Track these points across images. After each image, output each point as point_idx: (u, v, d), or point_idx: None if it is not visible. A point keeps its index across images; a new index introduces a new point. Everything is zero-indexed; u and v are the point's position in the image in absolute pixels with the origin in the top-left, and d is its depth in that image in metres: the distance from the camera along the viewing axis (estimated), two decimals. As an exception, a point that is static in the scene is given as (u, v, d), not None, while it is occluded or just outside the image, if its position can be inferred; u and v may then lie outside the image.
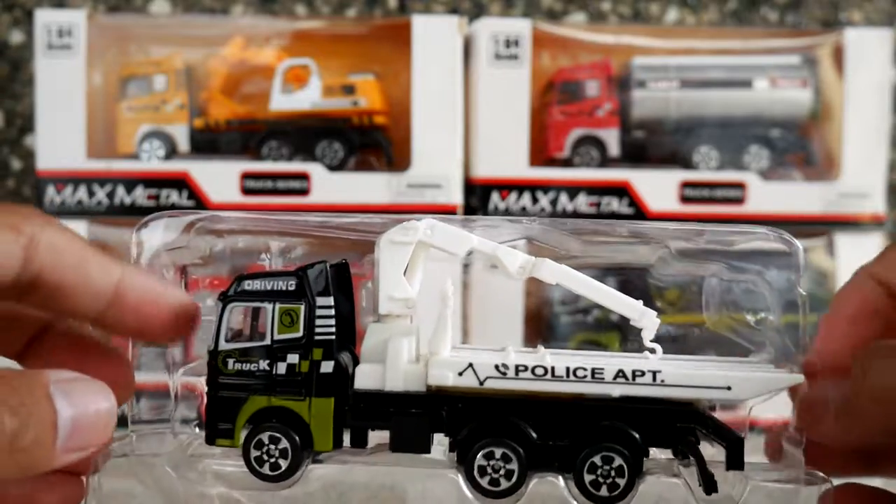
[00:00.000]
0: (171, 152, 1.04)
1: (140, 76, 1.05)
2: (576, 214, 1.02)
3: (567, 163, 1.06)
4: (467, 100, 1.02)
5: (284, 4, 1.21)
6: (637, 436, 0.52)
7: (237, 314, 0.53)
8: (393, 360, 0.53)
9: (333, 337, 0.53)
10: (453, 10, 1.20)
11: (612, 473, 0.52)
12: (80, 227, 1.01)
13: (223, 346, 0.53)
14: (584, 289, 0.55)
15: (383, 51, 1.06)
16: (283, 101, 1.04)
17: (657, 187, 1.02)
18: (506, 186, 1.02)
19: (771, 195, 1.02)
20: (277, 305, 0.53)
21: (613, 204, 1.02)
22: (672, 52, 1.07)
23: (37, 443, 0.42)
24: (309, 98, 1.04)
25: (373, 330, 0.54)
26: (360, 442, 0.54)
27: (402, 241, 0.54)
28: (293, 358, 0.52)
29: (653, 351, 0.54)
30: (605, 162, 1.05)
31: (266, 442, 0.53)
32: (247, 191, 1.00)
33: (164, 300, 0.51)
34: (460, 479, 0.54)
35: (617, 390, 0.52)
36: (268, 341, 0.53)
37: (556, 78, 1.07)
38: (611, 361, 0.53)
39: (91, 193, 1.01)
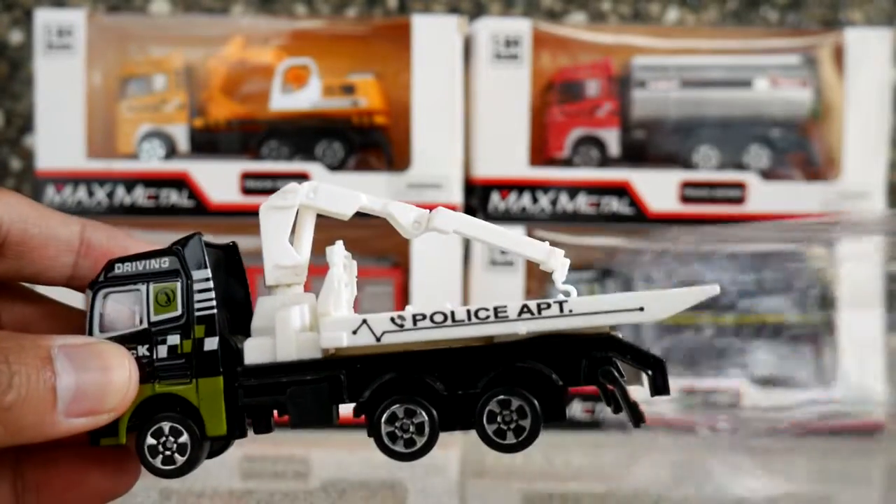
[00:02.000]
0: (171, 152, 1.04)
1: (140, 76, 1.05)
2: (576, 214, 1.02)
3: (567, 163, 1.06)
4: (467, 100, 1.02)
5: (284, 4, 1.21)
6: (551, 373, 0.48)
7: (110, 301, 0.49)
8: (283, 329, 0.49)
9: (215, 311, 0.49)
10: (453, 10, 1.20)
11: (514, 417, 0.48)
12: (79, 226, 1.00)
13: (97, 336, 0.48)
14: (485, 235, 0.51)
15: (383, 51, 1.06)
16: (283, 101, 1.04)
17: (657, 187, 1.02)
18: (506, 186, 1.02)
19: (771, 195, 1.02)
20: (151, 285, 0.49)
21: (613, 204, 1.02)
22: (672, 52, 1.07)
23: (28, 405, 0.41)
24: (309, 98, 1.04)
25: (261, 303, 0.50)
26: (263, 427, 0.51)
27: (282, 206, 0.51)
28: (173, 339, 0.48)
29: (567, 294, 0.50)
30: (605, 162, 1.05)
31: (166, 433, 0.48)
32: (247, 191, 1.00)
33: (133, 249, 0.50)
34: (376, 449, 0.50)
35: (523, 327, 0.48)
36: (144, 325, 0.49)
37: (556, 78, 1.07)
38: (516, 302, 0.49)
39: (91, 193, 1.01)
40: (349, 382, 0.49)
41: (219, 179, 1.01)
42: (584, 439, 0.95)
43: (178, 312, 0.48)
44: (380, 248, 1.00)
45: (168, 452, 0.48)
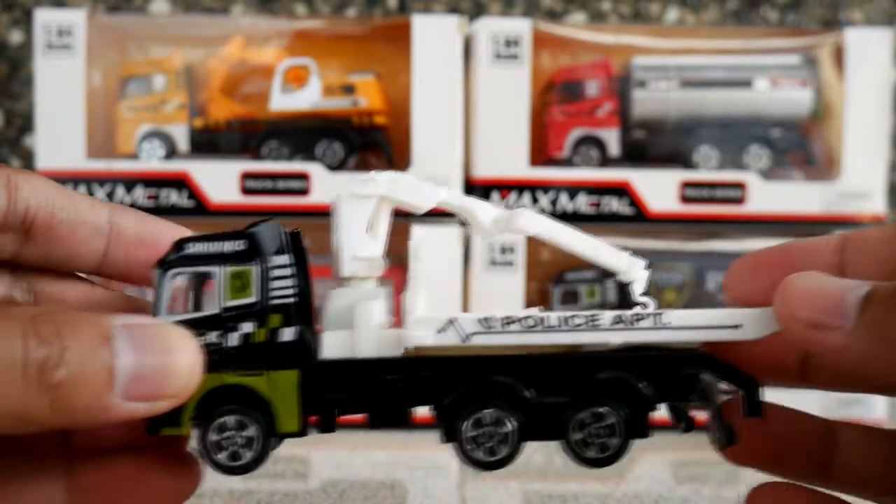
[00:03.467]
0: (171, 152, 1.04)
1: (140, 76, 1.05)
2: (576, 215, 1.02)
3: (567, 163, 1.06)
4: (467, 100, 1.02)
5: (284, 4, 1.21)
6: (641, 388, 0.46)
7: (179, 282, 0.46)
8: (363, 324, 0.47)
9: (294, 300, 0.46)
10: (453, 10, 1.20)
11: (604, 432, 0.47)
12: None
13: (164, 319, 0.45)
14: (569, 240, 0.49)
15: (383, 51, 1.06)
16: (283, 101, 1.04)
17: (657, 187, 1.02)
18: (506, 186, 1.02)
19: (771, 195, 1.02)
20: (226, 268, 0.46)
21: (613, 204, 1.02)
22: (672, 52, 1.07)
23: (81, 384, 0.38)
24: (309, 98, 1.04)
25: (336, 296, 0.48)
26: (328, 426, 0.48)
27: (362, 195, 0.49)
28: (247, 327, 0.46)
29: (644, 305, 0.49)
30: (605, 162, 1.05)
31: (231, 426, 0.46)
32: (247, 191, 1.00)
33: (163, 233, 0.48)
34: (454, 454, 0.48)
35: (616, 337, 0.46)
36: (216, 310, 0.46)
37: (556, 78, 1.07)
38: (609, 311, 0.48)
39: (91, 193, 1.01)
40: (431, 384, 0.47)
41: (219, 179, 1.01)
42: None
43: (254, 299, 0.46)
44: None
45: (234, 448, 0.45)
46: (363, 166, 1.05)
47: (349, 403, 0.47)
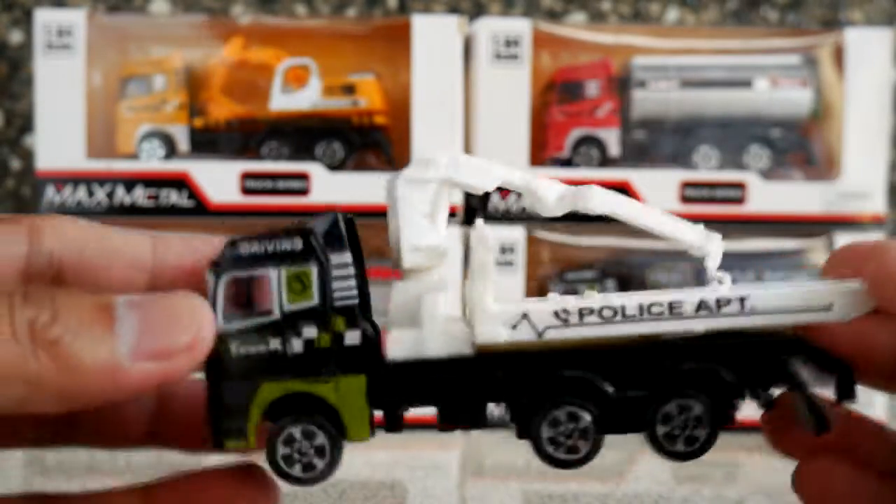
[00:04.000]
0: (171, 152, 1.04)
1: (140, 76, 1.05)
2: (575, 214, 1.02)
3: (567, 163, 1.06)
4: (467, 100, 1.02)
5: (284, 4, 1.21)
6: (728, 377, 0.43)
7: (235, 287, 0.43)
8: (430, 320, 0.44)
9: (356, 301, 0.43)
10: (453, 10, 1.20)
11: (691, 424, 0.44)
12: (79, 226, 1.00)
13: (221, 327, 0.43)
14: (638, 216, 0.47)
15: (383, 50, 1.06)
16: (283, 101, 1.04)
17: (657, 187, 1.02)
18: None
19: (771, 195, 1.02)
20: (283, 270, 0.43)
21: (613, 204, 1.02)
22: (672, 52, 1.07)
23: (79, 336, 0.36)
24: (309, 98, 1.04)
25: (399, 289, 0.45)
26: (396, 426, 0.46)
27: (422, 179, 0.45)
28: (310, 331, 0.43)
29: (720, 282, 0.46)
30: (605, 162, 1.05)
31: (298, 437, 0.43)
32: (247, 191, 1.00)
33: (206, 251, 0.45)
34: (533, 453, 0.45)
35: (700, 325, 0.44)
36: (276, 315, 0.43)
37: (556, 78, 1.07)
38: (688, 294, 0.45)
39: (90, 193, 1.01)
40: (505, 382, 0.44)
41: (219, 179, 1.01)
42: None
43: (315, 301, 0.43)
44: (379, 247, 1.00)
45: (306, 459, 0.43)
46: (363, 166, 1.05)
47: (420, 402, 0.45)
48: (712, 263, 0.46)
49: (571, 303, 0.44)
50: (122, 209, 1.01)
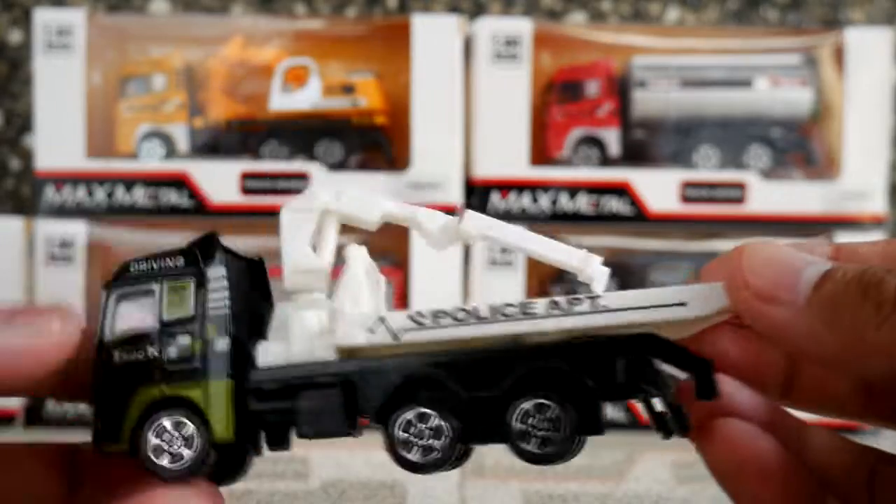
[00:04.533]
0: (171, 152, 1.04)
1: (139, 76, 1.05)
2: (576, 215, 1.02)
3: (567, 163, 1.06)
4: (467, 100, 1.02)
5: (284, 4, 1.20)
6: (582, 378, 0.43)
7: (124, 302, 0.47)
8: (298, 330, 0.46)
9: (228, 311, 0.46)
10: (453, 10, 1.20)
11: (547, 425, 0.43)
12: (79, 227, 1.00)
13: (108, 337, 0.46)
14: (517, 240, 0.47)
15: (383, 50, 1.06)
16: (283, 101, 1.04)
17: (657, 187, 1.02)
18: (506, 186, 1.02)
19: (771, 195, 1.02)
20: (166, 283, 0.47)
21: (613, 204, 1.02)
22: (672, 52, 1.07)
23: None
24: (309, 98, 1.04)
25: (279, 309, 0.48)
26: (278, 441, 0.47)
27: (303, 209, 0.48)
28: (184, 339, 0.46)
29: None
30: (605, 162, 1.05)
31: (169, 428, 0.45)
32: (247, 191, 1.00)
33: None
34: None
35: (552, 324, 0.44)
36: (156, 325, 0.46)
37: (556, 78, 1.07)
38: (545, 298, 0.45)
39: (90, 193, 1.01)
40: (364, 386, 0.45)
41: (219, 179, 1.01)
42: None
43: (191, 312, 0.46)
44: (379, 247, 1.00)
45: (175, 448, 0.45)
46: (363, 166, 1.05)
47: (284, 412, 0.46)
48: (597, 286, 0.46)
49: (426, 308, 0.45)
50: (121, 209, 1.01)
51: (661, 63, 1.06)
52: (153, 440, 0.45)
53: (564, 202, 1.02)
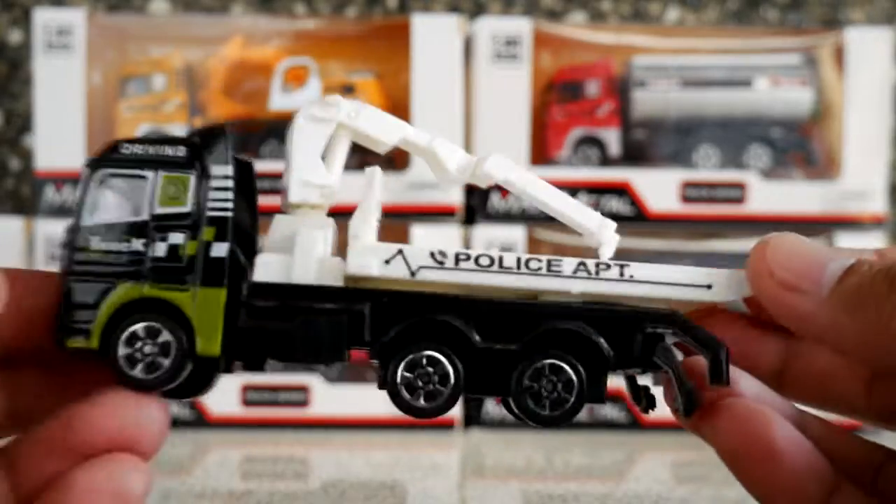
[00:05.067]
0: (171, 152, 1.04)
1: (139, 76, 1.05)
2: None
3: (567, 163, 1.06)
4: (467, 100, 1.02)
5: (284, 4, 1.20)
6: (601, 344, 0.42)
7: (109, 185, 0.42)
8: (304, 250, 0.43)
9: (230, 214, 0.43)
10: (453, 9, 1.19)
11: (560, 387, 0.42)
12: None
13: (87, 221, 0.42)
14: (536, 191, 0.46)
15: (383, 50, 1.06)
16: (283, 101, 1.04)
17: (657, 187, 1.02)
18: (506, 186, 1.02)
19: (771, 195, 1.02)
20: (161, 174, 0.42)
21: (613, 204, 1.02)
22: (672, 52, 1.06)
23: None
24: (308, 98, 1.04)
25: (279, 221, 0.45)
26: (255, 364, 0.44)
27: (322, 118, 0.45)
28: (177, 237, 0.42)
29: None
30: (605, 162, 1.05)
31: (142, 335, 0.41)
32: (246, 190, 1.00)
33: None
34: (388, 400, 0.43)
35: (577, 286, 0.43)
36: (145, 216, 0.42)
37: (556, 78, 1.07)
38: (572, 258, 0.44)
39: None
40: (373, 319, 0.42)
41: (218, 179, 1.00)
42: (584, 439, 0.95)
43: (188, 209, 0.42)
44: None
45: (150, 358, 0.41)
46: (363, 166, 1.05)
47: (278, 334, 0.42)
48: (607, 251, 0.46)
49: (451, 248, 0.43)
50: (121, 209, 1.01)
51: (661, 63, 1.06)
52: (123, 349, 0.41)
53: (564, 202, 1.02)
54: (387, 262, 0.43)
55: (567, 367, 0.43)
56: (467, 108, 1.02)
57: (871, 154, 1.02)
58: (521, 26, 1.02)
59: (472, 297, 0.43)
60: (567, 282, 0.43)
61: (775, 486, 0.40)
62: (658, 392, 0.45)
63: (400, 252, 0.43)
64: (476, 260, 0.43)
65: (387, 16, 1.19)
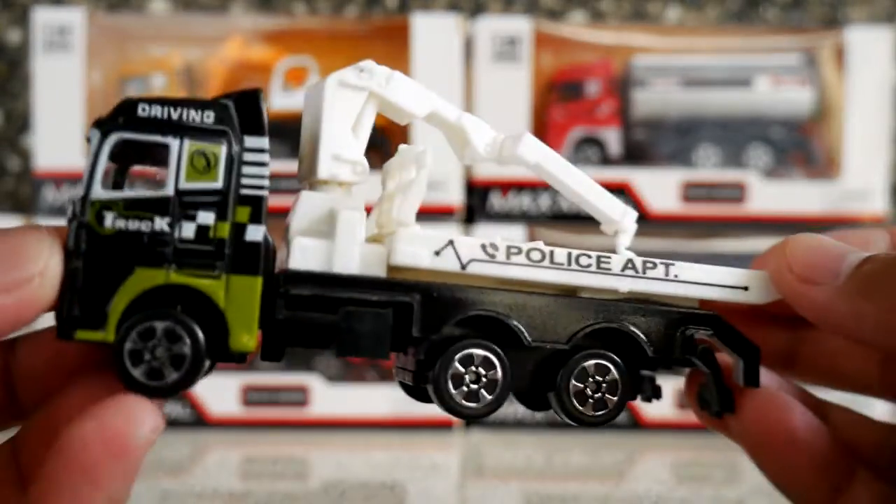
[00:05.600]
0: (171, 152, 1.04)
1: (139, 75, 1.05)
2: (576, 215, 1.02)
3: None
4: (467, 100, 1.01)
5: (283, 3, 1.20)
6: (644, 343, 0.42)
7: (123, 150, 0.37)
8: (347, 235, 0.39)
9: (266, 192, 0.38)
10: (453, 7, 1.19)
11: (605, 388, 0.42)
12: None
13: (99, 193, 0.36)
14: (564, 176, 0.44)
15: (383, 50, 1.06)
16: (283, 101, 1.03)
17: (658, 187, 1.02)
18: (506, 186, 1.02)
19: (772, 195, 1.02)
20: (187, 142, 0.37)
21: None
22: (672, 52, 1.06)
23: None
24: (308, 97, 1.04)
25: (307, 198, 0.41)
26: (274, 353, 0.40)
27: (354, 85, 0.41)
28: (206, 217, 0.37)
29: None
30: (606, 162, 1.05)
31: (158, 335, 0.36)
32: (246, 190, 1.00)
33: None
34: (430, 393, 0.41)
35: (625, 284, 0.42)
36: (170, 191, 0.36)
37: (556, 78, 1.07)
38: (618, 256, 0.43)
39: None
40: (422, 313, 0.40)
41: (218, 179, 1.00)
42: (584, 439, 0.95)
43: (219, 184, 0.37)
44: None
45: (156, 363, 0.36)
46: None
47: (319, 326, 0.39)
48: (624, 239, 0.45)
49: (499, 240, 0.41)
50: (121, 209, 1.01)
51: (662, 63, 1.06)
52: (132, 342, 0.36)
53: (564, 202, 1.02)
54: (437, 253, 0.40)
55: (612, 368, 0.42)
56: (467, 108, 1.01)
57: (872, 154, 1.02)
58: (521, 26, 1.02)
59: (523, 292, 0.42)
60: (615, 279, 0.42)
61: (795, 472, 0.41)
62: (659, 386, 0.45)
63: (451, 243, 0.41)
64: (527, 254, 0.41)
65: (387, 15, 1.19)
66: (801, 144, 1.06)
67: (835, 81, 1.04)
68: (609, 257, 0.42)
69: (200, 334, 0.36)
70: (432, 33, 1.00)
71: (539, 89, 1.06)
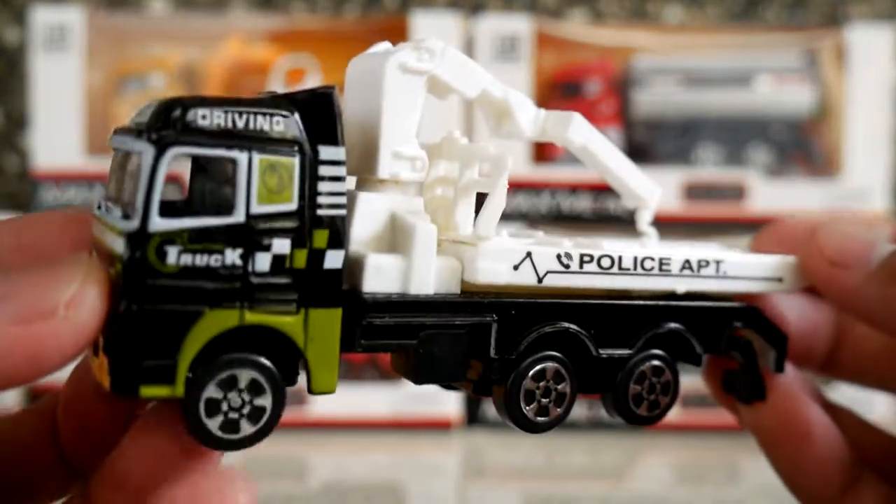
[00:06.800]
0: (170, 151, 1.03)
1: (138, 74, 1.05)
2: (576, 215, 1.02)
3: (567, 163, 1.05)
4: (467, 99, 1.01)
5: (283, 3, 1.20)
6: (695, 342, 0.42)
7: (181, 170, 0.32)
8: (424, 254, 0.35)
9: (344, 212, 0.32)
10: (453, 5, 1.19)
11: (658, 389, 0.42)
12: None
13: (158, 225, 0.30)
14: (605, 156, 0.45)
15: (383, 50, 1.06)
16: (282, 101, 1.03)
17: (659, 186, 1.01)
18: (506, 186, 1.02)
19: (772, 194, 1.02)
20: (256, 156, 0.31)
21: (613, 204, 1.02)
22: (673, 51, 1.06)
23: None
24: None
25: (366, 202, 0.36)
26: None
27: (416, 70, 0.37)
28: (282, 245, 0.31)
29: (648, 236, 0.48)
30: (606, 161, 1.05)
31: (242, 386, 0.31)
32: (245, 190, 1.00)
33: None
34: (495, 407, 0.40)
35: (683, 285, 0.42)
36: (241, 217, 0.31)
37: (556, 78, 1.07)
38: (672, 251, 0.43)
39: (89, 192, 1.00)
40: (499, 333, 0.37)
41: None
42: (585, 440, 0.95)
43: (293, 206, 0.31)
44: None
45: (233, 415, 0.31)
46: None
47: (393, 351, 0.36)
48: (646, 216, 0.46)
49: (569, 246, 0.40)
50: (120, 209, 1.00)
51: (662, 63, 1.05)
52: (211, 391, 0.31)
53: (564, 202, 1.02)
54: (515, 267, 0.38)
55: (667, 370, 0.42)
56: (468, 109, 1.01)
57: (872, 152, 1.02)
58: (521, 26, 1.01)
59: (591, 303, 0.41)
60: (675, 280, 0.42)
61: (807, 467, 0.42)
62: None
63: (529, 256, 0.38)
64: (598, 261, 0.40)
65: (386, 15, 1.19)
66: (802, 144, 1.06)
67: (835, 80, 1.04)
68: (669, 259, 0.42)
69: (284, 387, 0.32)
70: (433, 33, 1.00)
71: (539, 89, 1.06)
